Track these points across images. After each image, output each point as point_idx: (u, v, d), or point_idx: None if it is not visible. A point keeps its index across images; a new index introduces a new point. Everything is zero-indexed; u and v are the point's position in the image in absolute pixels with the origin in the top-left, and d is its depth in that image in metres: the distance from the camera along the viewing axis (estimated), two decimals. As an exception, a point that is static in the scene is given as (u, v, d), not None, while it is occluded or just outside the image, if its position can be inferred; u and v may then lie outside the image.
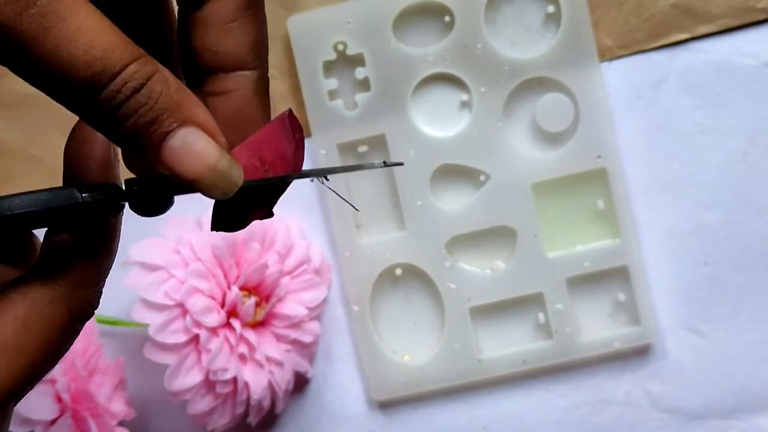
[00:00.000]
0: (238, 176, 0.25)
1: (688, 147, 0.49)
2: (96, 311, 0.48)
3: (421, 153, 0.49)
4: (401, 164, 0.30)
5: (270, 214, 0.27)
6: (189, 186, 0.24)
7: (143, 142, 0.23)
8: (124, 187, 0.25)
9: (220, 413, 0.47)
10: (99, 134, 0.25)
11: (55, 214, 0.24)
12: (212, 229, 0.27)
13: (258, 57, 0.27)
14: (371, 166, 0.28)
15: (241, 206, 0.27)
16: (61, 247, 0.26)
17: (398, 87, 0.49)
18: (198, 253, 0.46)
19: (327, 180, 0.27)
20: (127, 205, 0.26)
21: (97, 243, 0.26)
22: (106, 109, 0.22)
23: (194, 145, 0.23)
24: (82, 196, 0.25)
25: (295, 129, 0.26)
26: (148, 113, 0.23)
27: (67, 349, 0.26)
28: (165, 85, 0.23)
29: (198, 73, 0.27)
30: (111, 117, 0.22)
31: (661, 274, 0.50)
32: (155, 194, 0.25)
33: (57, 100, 0.23)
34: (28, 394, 0.41)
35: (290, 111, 0.26)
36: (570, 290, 0.49)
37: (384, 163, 0.28)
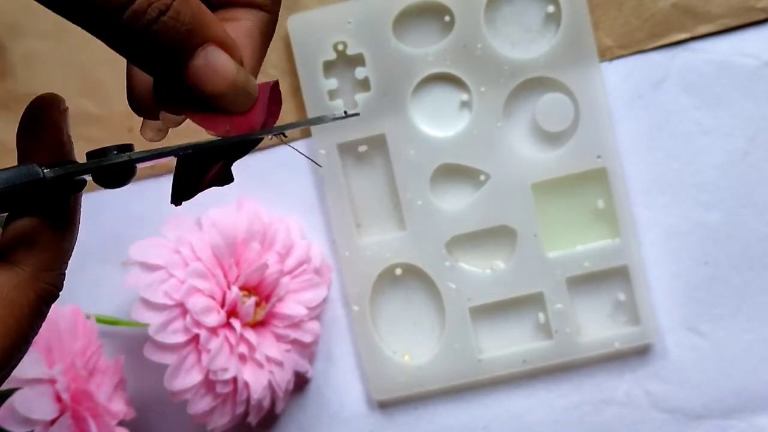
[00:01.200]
0: (254, 89, 0.26)
1: (688, 147, 0.49)
2: (96, 311, 0.48)
3: (421, 153, 0.49)
4: (357, 114, 0.30)
5: (228, 178, 0.27)
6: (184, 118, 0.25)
7: (167, 62, 0.24)
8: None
9: (220, 413, 0.47)
10: (51, 115, 0.26)
11: (17, 194, 0.24)
12: (172, 202, 0.27)
13: (274, 2, 0.28)
14: (328, 119, 0.28)
15: (199, 170, 0.27)
16: (23, 231, 0.26)
17: (398, 87, 0.49)
18: (198, 252, 0.45)
19: (285, 137, 0.27)
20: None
21: (60, 223, 0.26)
22: (131, 29, 0.23)
23: (217, 63, 0.24)
24: (43, 171, 0.25)
25: (273, 101, 0.27)
26: (175, 35, 0.23)
27: (36, 333, 0.26)
28: (188, 6, 0.24)
29: (212, 3, 0.27)
30: (136, 37, 0.23)
31: (661, 274, 0.50)
32: (118, 164, 0.25)
33: (79, 22, 0.23)
34: (27, 394, 0.41)
35: (276, 82, 0.27)
36: (570, 290, 0.49)
37: (345, 113, 0.28)
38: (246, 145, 0.26)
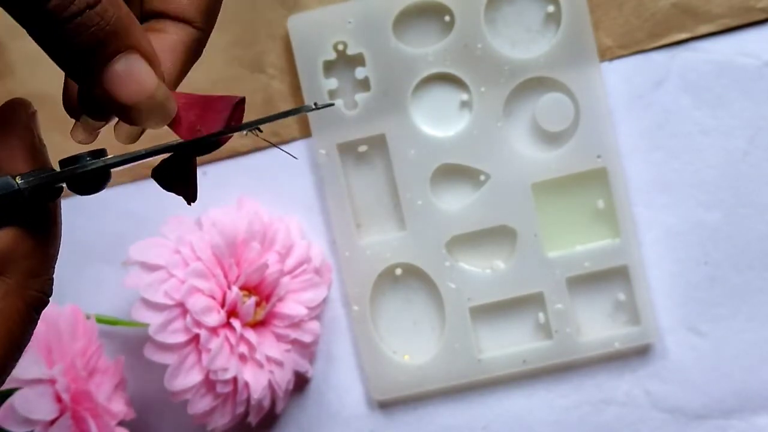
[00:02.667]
0: (172, 109, 0.25)
1: (688, 147, 0.49)
2: (96, 311, 0.48)
3: (421, 153, 0.49)
4: (332, 105, 0.30)
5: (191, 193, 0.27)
6: (128, 120, 0.24)
7: (85, 60, 0.23)
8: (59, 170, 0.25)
9: (220, 413, 0.47)
10: (21, 121, 0.25)
11: None
12: (190, 202, 0.27)
13: (206, 20, 0.27)
14: (302, 110, 0.27)
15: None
16: (4, 243, 0.25)
17: (398, 87, 0.49)
18: (198, 252, 0.45)
19: (261, 132, 0.27)
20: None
21: (40, 230, 0.26)
22: (55, 19, 0.22)
23: (136, 72, 0.24)
24: (18, 183, 0.24)
25: (234, 117, 0.26)
26: (98, 32, 0.23)
27: (28, 340, 0.26)
28: (117, 7, 0.23)
29: (141, 13, 0.27)
30: (59, 30, 0.22)
31: (661, 274, 0.50)
32: (92, 171, 0.25)
33: (2, 4, 0.22)
34: (27, 394, 0.41)
35: (242, 99, 0.26)
36: (570, 290, 0.49)
37: (315, 105, 0.27)
38: (213, 144, 0.26)
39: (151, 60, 0.24)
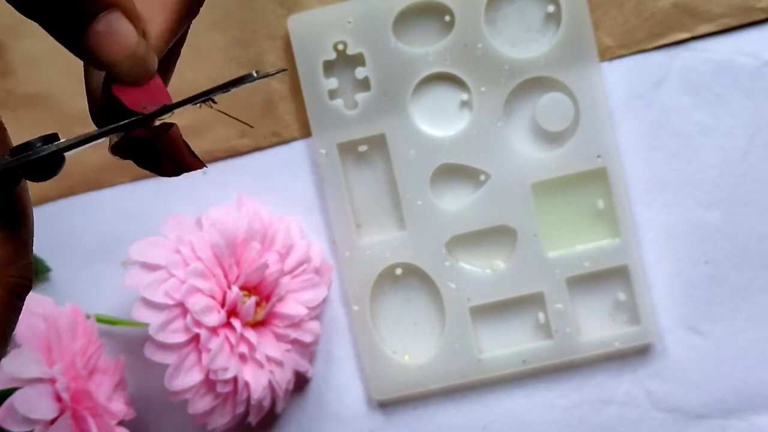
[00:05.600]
0: (153, 63, 0.25)
1: (688, 147, 0.49)
2: (96, 311, 0.47)
3: (421, 153, 0.49)
4: (285, 70, 0.29)
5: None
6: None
7: (68, 21, 0.23)
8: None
9: (220, 413, 0.47)
10: None
11: None
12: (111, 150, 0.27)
13: None
14: (248, 79, 0.27)
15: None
16: None
17: (398, 87, 0.49)
18: (198, 252, 0.45)
19: (215, 103, 0.26)
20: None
21: (8, 217, 0.26)
22: None
23: (118, 31, 0.24)
24: None
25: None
26: None
27: (13, 328, 0.26)
28: None
29: None
30: None
31: (661, 274, 0.50)
32: (45, 156, 0.25)
33: None
34: (27, 394, 0.41)
35: (175, 127, 0.26)
36: (570, 290, 0.49)
37: (256, 73, 0.27)
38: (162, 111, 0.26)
39: (134, 18, 0.24)
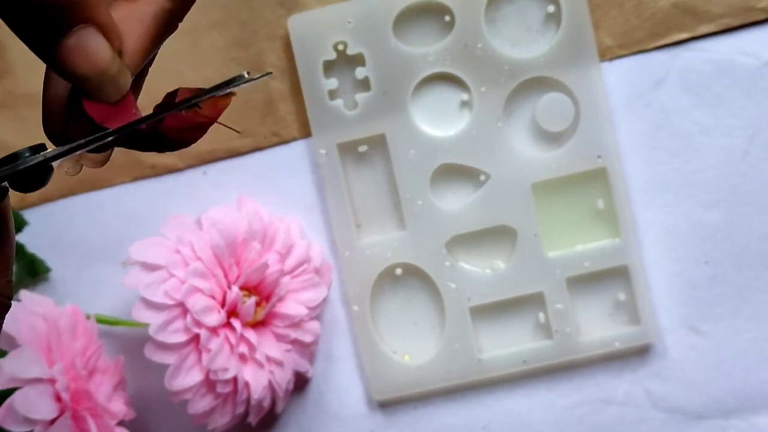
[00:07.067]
0: (125, 84, 0.25)
1: (688, 147, 0.49)
2: (96, 311, 0.47)
3: (421, 153, 0.49)
4: (270, 74, 0.29)
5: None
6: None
7: (42, 33, 0.23)
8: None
9: (220, 413, 0.47)
10: None
11: None
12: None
13: None
14: (236, 81, 0.27)
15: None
16: None
17: (398, 87, 0.49)
18: (198, 252, 0.45)
19: (200, 108, 0.26)
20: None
21: None
22: None
23: (88, 46, 0.24)
24: None
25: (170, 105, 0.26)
26: (54, 4, 0.23)
27: None
28: None
29: None
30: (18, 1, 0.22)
31: (661, 274, 0.50)
32: (33, 167, 0.24)
33: None
34: (27, 394, 0.41)
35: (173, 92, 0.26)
36: (570, 290, 0.49)
37: (247, 74, 0.27)
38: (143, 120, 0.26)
39: (109, 34, 0.24)
